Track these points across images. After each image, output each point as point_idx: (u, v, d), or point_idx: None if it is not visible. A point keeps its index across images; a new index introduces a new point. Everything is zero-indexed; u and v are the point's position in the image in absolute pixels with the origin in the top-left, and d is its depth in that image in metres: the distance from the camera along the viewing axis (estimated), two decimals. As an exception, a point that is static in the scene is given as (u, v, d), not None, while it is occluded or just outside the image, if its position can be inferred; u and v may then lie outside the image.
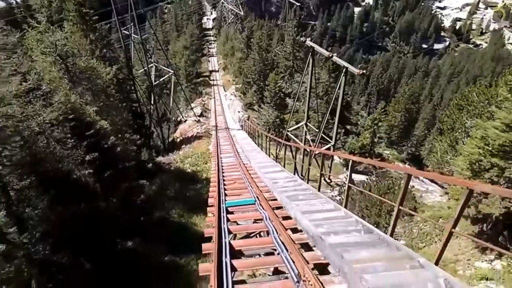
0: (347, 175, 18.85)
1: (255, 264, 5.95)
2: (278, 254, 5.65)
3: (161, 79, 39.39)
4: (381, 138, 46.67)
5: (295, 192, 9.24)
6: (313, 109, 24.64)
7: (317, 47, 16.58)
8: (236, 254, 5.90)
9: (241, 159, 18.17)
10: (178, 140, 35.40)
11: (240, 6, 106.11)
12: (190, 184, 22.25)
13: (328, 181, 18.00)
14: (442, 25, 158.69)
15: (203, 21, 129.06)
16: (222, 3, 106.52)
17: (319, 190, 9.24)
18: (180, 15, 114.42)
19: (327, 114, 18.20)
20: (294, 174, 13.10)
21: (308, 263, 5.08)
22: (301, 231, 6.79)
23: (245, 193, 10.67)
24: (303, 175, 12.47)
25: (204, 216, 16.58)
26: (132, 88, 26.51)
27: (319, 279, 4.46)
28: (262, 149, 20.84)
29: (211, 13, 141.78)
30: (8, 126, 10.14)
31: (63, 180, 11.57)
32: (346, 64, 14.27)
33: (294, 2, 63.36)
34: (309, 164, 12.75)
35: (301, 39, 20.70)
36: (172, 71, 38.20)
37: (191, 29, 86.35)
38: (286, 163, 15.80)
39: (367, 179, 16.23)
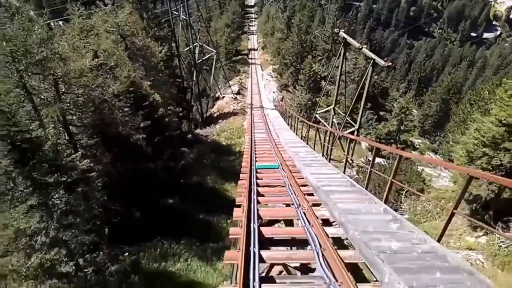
0: (366, 157, 20.44)
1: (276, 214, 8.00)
2: (290, 197, 8.03)
3: (204, 58, 41.43)
4: (415, 127, 47.05)
5: (311, 161, 11.88)
6: (343, 95, 25.93)
7: (349, 39, 17.94)
8: (260, 197, 8.30)
9: (271, 135, 20.39)
10: (215, 115, 37.71)
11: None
12: (224, 155, 24.57)
13: (350, 161, 19.62)
14: (495, 13, 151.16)
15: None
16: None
17: (344, 171, 10.86)
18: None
19: (353, 101, 19.65)
20: (318, 152, 15.09)
21: (308, 202, 7.40)
22: (308, 185, 9.20)
23: (272, 161, 12.95)
24: (327, 154, 14.19)
25: (235, 184, 18.83)
26: (177, 64, 28.78)
27: (312, 208, 6.92)
28: (291, 128, 23.04)
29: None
30: (83, 94, 12.53)
31: (123, 142, 13.99)
32: (373, 56, 15.66)
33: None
34: (332, 145, 14.42)
35: (335, 30, 21.80)
36: (215, 51, 40.14)
37: (233, 6, 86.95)
38: (312, 142, 17.77)
39: (383, 161, 17.87)
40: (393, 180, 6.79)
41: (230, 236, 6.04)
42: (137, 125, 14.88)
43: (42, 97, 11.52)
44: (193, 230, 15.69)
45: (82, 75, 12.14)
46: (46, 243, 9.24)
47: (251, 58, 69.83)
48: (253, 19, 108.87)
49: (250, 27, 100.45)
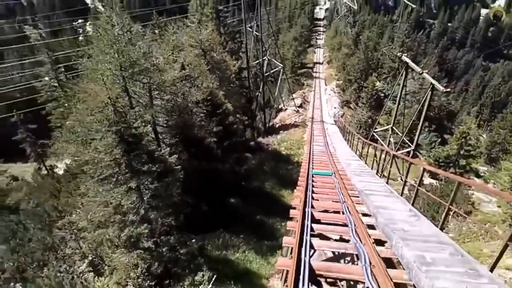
0: (417, 177, 20.88)
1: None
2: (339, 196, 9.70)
3: (272, 71, 43.50)
4: (481, 153, 45.25)
5: (360, 172, 13.56)
6: (404, 115, 26.38)
7: (410, 63, 18.75)
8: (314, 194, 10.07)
9: (329, 148, 21.81)
10: (277, 125, 39.44)
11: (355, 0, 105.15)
12: (283, 164, 26.15)
13: (402, 180, 20.22)
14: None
15: (315, 11, 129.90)
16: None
17: (402, 193, 12.17)
18: (294, 4, 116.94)
19: (411, 122, 20.27)
20: (372, 169, 16.18)
21: (352, 201, 8.96)
22: (354, 190, 10.77)
23: (327, 169, 14.80)
24: (383, 172, 15.25)
25: (291, 191, 20.28)
26: (246, 76, 30.98)
27: (354, 204, 8.57)
28: (348, 143, 24.26)
29: (325, 3, 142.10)
30: (170, 100, 14.80)
31: (198, 143, 16.10)
32: (433, 81, 16.41)
33: (409, 4, 62.02)
34: (386, 163, 15.45)
35: (398, 54, 22.58)
36: (282, 65, 42.08)
37: (302, 20, 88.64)
38: (368, 159, 18.81)
39: (436, 182, 18.31)
40: (450, 206, 7.24)
41: (291, 215, 7.77)
42: (211, 130, 16.95)
43: (140, 100, 13.94)
44: (251, 228, 17.35)
45: (173, 84, 14.42)
46: (136, 220, 11.36)
47: (316, 72, 70.46)
48: (321, 32, 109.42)
49: (317, 40, 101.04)
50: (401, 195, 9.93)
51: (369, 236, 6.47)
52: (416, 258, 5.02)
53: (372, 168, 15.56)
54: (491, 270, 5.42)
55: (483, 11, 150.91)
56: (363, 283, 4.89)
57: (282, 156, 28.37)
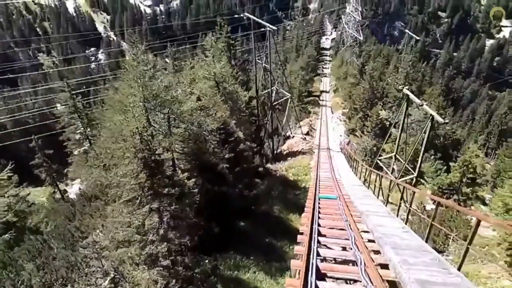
0: (421, 203, 21.70)
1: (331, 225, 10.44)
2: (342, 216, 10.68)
3: (280, 101, 45.10)
4: (487, 181, 45.74)
5: (363, 196, 15.02)
6: (407, 144, 27.38)
7: (411, 96, 19.97)
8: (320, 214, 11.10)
9: (334, 174, 22.90)
10: (285, 152, 40.58)
11: (361, 31, 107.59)
12: (291, 189, 27.14)
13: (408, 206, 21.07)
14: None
15: (321, 41, 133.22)
16: (343, 27, 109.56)
17: (407, 221, 13.31)
18: (301, 34, 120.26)
19: (411, 150, 21.30)
20: (376, 194, 17.22)
21: (354, 220, 10.01)
22: (356, 212, 11.74)
23: (333, 193, 15.87)
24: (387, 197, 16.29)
25: (298, 215, 21.16)
26: (255, 105, 32.42)
27: (355, 223, 9.49)
28: (353, 170, 25.34)
29: (331, 33, 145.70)
30: (186, 129, 16.06)
31: (212, 169, 17.24)
32: (432, 113, 17.57)
33: (413, 36, 63.98)
34: (389, 190, 16.48)
35: (399, 87, 23.88)
36: (290, 95, 43.67)
37: (309, 50, 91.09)
38: (373, 185, 19.79)
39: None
40: (433, 223, 8.52)
41: (300, 229, 8.83)
42: (223, 156, 18.12)
43: (160, 129, 15.22)
44: (260, 250, 18.20)
45: (190, 114, 15.74)
46: (156, 239, 12.38)
47: (322, 100, 71.93)
48: (327, 61, 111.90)
49: (324, 69, 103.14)
50: (397, 216, 11.03)
51: (366, 248, 7.51)
52: (401, 261, 6.10)
53: (375, 193, 16.57)
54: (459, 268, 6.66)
55: (488, 42, 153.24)
56: (360, 281, 5.95)
57: (289, 181, 29.38)
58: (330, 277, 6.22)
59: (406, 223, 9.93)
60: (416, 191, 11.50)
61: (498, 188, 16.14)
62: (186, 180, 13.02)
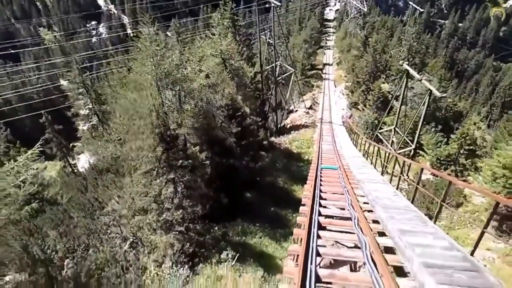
0: (417, 173, 22.69)
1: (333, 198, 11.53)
2: (341, 183, 11.64)
3: (283, 76, 45.58)
4: (486, 153, 46.61)
5: (362, 166, 16.26)
6: (407, 116, 28.16)
7: (411, 70, 20.64)
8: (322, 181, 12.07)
9: (336, 146, 23.98)
10: (288, 126, 41.48)
11: (365, 2, 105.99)
12: (294, 162, 28.25)
13: (406, 178, 22.20)
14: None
15: (325, 12, 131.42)
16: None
17: (397, 187, 14.37)
18: (304, 6, 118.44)
19: (410, 123, 22.18)
20: (375, 165, 18.29)
21: (352, 187, 11.03)
22: (354, 180, 12.82)
23: (334, 164, 17.03)
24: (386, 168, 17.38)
25: (301, 186, 22.30)
26: (259, 80, 33.06)
27: (353, 189, 10.48)
28: (353, 143, 26.43)
29: (335, 4, 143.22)
30: (196, 105, 16.93)
31: (220, 143, 18.25)
32: (431, 87, 18.34)
33: (417, 8, 63.33)
34: (388, 163, 17.58)
35: (400, 62, 24.47)
36: (293, 70, 44.11)
37: (312, 22, 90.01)
38: (371, 156, 20.87)
39: (432, 177, 20.26)
40: (418, 186, 9.79)
41: (303, 195, 9.90)
42: (230, 131, 19.08)
43: (172, 106, 16.12)
44: (265, 218, 19.45)
45: (199, 91, 16.60)
46: (171, 207, 13.53)
47: (326, 73, 72.03)
48: (331, 34, 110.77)
49: (327, 41, 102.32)
50: (390, 183, 12.19)
51: (360, 207, 8.68)
52: (388, 216, 7.24)
53: (373, 164, 17.66)
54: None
55: (494, 10, 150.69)
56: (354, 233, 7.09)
57: (293, 154, 30.45)
58: (329, 230, 7.34)
59: (397, 189, 11.00)
60: (408, 161, 12.48)
61: (487, 158, 17.25)
62: (198, 153, 14.04)
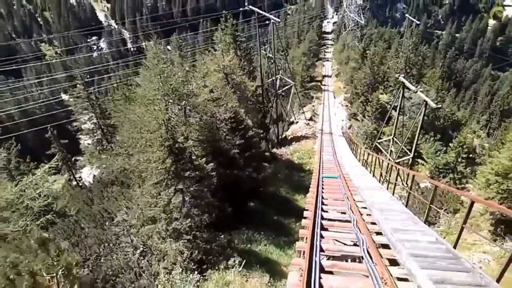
0: (416, 182, 23.35)
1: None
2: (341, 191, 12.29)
3: (283, 89, 46.62)
4: (485, 161, 47.40)
5: (361, 176, 16.99)
6: (405, 127, 28.94)
7: (406, 83, 21.55)
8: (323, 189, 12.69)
9: (336, 156, 24.80)
10: (289, 137, 42.32)
11: (362, 14, 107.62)
12: (296, 172, 28.96)
13: (405, 185, 22.90)
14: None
15: (323, 24, 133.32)
16: (345, 11, 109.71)
17: (393, 193, 15.14)
18: (302, 19, 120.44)
19: (408, 133, 22.99)
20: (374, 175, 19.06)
21: (351, 193, 11.71)
22: (353, 187, 13.54)
23: (334, 173, 17.72)
24: (385, 177, 18.17)
25: (303, 196, 22.97)
26: (260, 93, 34.03)
27: (352, 195, 11.10)
28: (353, 153, 27.26)
29: (332, 17, 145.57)
30: (202, 118, 17.72)
31: (225, 154, 18.99)
32: (426, 98, 19.23)
33: (414, 20, 64.71)
34: (387, 172, 18.27)
35: (396, 75, 25.42)
36: (293, 83, 45.17)
37: (311, 35, 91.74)
38: (370, 166, 21.62)
39: (430, 185, 21.00)
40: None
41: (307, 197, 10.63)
42: (234, 142, 19.84)
43: (178, 120, 16.91)
44: (269, 227, 20.07)
45: (204, 105, 17.41)
46: (180, 216, 14.20)
47: (325, 85, 72.88)
48: (329, 46, 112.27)
49: (325, 53, 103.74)
50: (388, 190, 12.95)
51: (359, 211, 9.43)
52: (383, 218, 7.99)
53: (372, 173, 18.41)
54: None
55: (491, 22, 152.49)
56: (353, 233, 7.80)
57: (294, 164, 31.18)
58: (331, 231, 8.05)
59: (393, 195, 11.82)
60: (402, 169, 13.29)
61: (481, 166, 18.11)
62: (204, 165, 14.77)
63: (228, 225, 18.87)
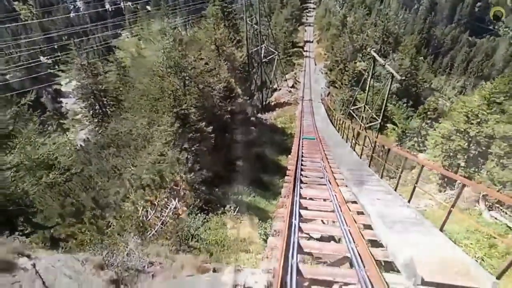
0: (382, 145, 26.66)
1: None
2: (319, 147, 15.39)
3: (268, 58, 48.80)
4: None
5: (333, 135, 20.57)
6: (378, 95, 32.19)
7: (377, 57, 24.42)
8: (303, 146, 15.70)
9: (315, 121, 27.99)
10: (273, 103, 45.17)
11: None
12: (279, 135, 32.12)
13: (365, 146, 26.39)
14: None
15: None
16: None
17: (361, 156, 18.37)
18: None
19: (377, 100, 26.20)
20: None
21: (324, 149, 14.65)
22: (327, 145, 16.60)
23: (313, 135, 20.60)
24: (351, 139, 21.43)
25: (286, 157, 26.15)
26: (246, 62, 36.34)
27: (324, 150, 14.14)
28: (329, 117, 30.63)
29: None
30: (200, 88, 20.26)
31: (218, 119, 21.74)
32: (392, 71, 22.21)
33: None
34: (354, 136, 21.45)
35: (368, 49, 28.18)
36: (277, 52, 47.41)
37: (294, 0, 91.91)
38: (343, 129, 24.90)
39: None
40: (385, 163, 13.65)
41: (290, 157, 13.70)
42: (226, 109, 22.56)
43: (177, 88, 19.43)
44: (256, 183, 23.27)
45: (200, 76, 19.94)
46: (186, 169, 17.13)
47: (306, 51, 74.35)
48: (311, 10, 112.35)
49: (308, 17, 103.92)
50: (354, 149, 16.19)
51: (328, 163, 12.47)
52: (346, 170, 11.03)
53: (346, 137, 21.66)
54: (395, 188, 11.16)
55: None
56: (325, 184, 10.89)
57: (278, 128, 34.30)
58: (308, 171, 11.25)
59: (354, 150, 15.19)
60: (365, 134, 16.45)
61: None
62: (204, 127, 17.57)
63: (221, 181, 21.95)
